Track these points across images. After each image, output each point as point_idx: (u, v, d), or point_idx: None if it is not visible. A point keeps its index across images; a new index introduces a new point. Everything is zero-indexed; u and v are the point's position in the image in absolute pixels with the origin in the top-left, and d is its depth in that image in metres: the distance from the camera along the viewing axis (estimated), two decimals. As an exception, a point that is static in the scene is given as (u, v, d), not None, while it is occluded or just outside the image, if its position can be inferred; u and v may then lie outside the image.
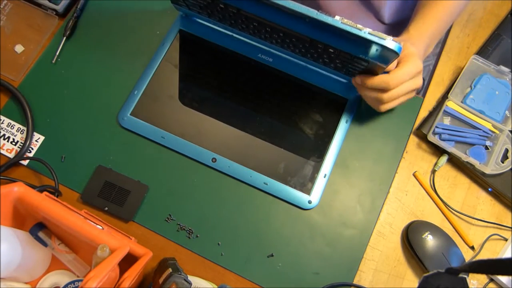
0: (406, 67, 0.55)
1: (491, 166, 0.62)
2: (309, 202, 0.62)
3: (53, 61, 0.68)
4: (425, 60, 0.63)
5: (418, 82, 0.57)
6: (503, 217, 0.63)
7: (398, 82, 0.56)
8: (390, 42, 0.48)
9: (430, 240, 0.59)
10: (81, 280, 0.53)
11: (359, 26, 0.48)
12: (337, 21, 0.48)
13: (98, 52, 0.69)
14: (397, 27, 0.78)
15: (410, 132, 0.66)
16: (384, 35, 0.48)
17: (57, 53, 0.68)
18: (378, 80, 0.56)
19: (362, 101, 0.66)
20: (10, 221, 0.53)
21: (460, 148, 0.63)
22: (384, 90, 0.57)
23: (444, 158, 0.64)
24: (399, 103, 0.59)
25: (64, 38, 0.68)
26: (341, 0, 0.70)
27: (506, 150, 0.63)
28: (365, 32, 0.48)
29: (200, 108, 0.65)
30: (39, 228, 0.53)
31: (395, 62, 0.56)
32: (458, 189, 0.64)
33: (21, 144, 0.64)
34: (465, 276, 0.47)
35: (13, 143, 0.64)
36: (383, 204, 0.63)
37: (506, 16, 0.72)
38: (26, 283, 0.55)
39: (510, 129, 0.64)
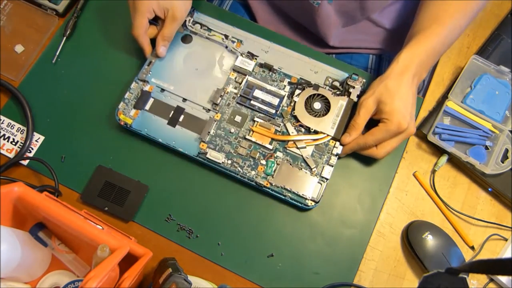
0: (387, 129, 0.58)
1: (491, 166, 0.62)
2: (309, 202, 0.62)
3: (53, 61, 0.68)
4: (417, 88, 0.63)
5: (409, 134, 0.59)
6: (503, 217, 0.63)
7: (379, 142, 0.59)
8: (309, 201, 0.60)
9: (430, 240, 0.59)
10: (81, 280, 0.53)
11: (286, 188, 0.60)
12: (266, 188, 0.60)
13: (98, 52, 0.69)
14: (400, 32, 0.78)
15: (410, 132, 0.66)
16: (305, 195, 0.60)
17: (57, 53, 0.68)
18: (365, 153, 0.61)
19: None
20: (10, 221, 0.53)
21: (460, 148, 0.63)
22: (373, 155, 0.61)
23: (444, 158, 0.64)
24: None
25: (64, 38, 0.68)
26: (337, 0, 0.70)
27: (506, 150, 0.63)
28: (286, 198, 0.60)
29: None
30: (39, 228, 0.53)
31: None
32: (458, 189, 0.64)
33: (21, 144, 0.64)
34: (465, 276, 0.47)
35: (13, 143, 0.64)
36: (383, 204, 0.63)
37: (506, 16, 0.72)
38: (26, 283, 0.55)
39: (510, 129, 0.64)
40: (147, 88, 0.65)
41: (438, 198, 0.63)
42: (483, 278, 0.60)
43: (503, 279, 0.59)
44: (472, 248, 0.62)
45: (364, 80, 0.64)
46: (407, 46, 0.60)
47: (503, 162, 0.63)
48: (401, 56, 0.60)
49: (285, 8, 0.77)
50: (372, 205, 0.63)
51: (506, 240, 0.62)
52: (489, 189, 0.63)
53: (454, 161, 0.65)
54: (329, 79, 0.65)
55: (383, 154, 0.60)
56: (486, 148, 0.63)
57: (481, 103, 0.65)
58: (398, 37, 0.78)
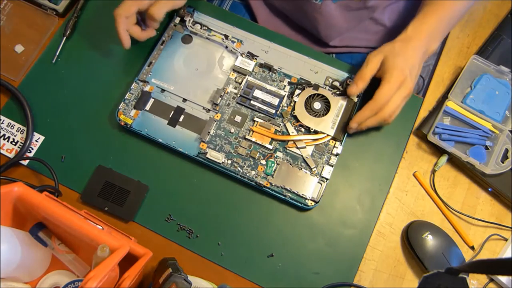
0: (388, 82, 0.59)
1: (491, 166, 0.62)
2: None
3: (53, 61, 0.68)
4: (425, 60, 0.63)
5: (407, 89, 0.60)
6: (503, 217, 0.63)
7: (387, 99, 0.59)
8: (309, 201, 0.60)
9: (430, 240, 0.59)
10: (81, 280, 0.53)
11: (286, 188, 0.60)
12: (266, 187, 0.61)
13: (98, 52, 0.69)
14: (400, 31, 0.78)
15: (410, 132, 0.66)
16: (305, 195, 0.60)
17: (57, 53, 0.68)
18: (373, 120, 0.61)
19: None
20: (10, 221, 0.53)
21: (460, 148, 0.63)
22: (381, 117, 0.60)
23: (444, 158, 0.64)
24: (399, 110, 0.61)
25: (64, 38, 0.68)
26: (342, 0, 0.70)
27: (506, 150, 0.63)
28: (286, 198, 0.60)
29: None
30: (39, 228, 0.53)
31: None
32: (458, 189, 0.64)
33: (21, 144, 0.64)
34: (465, 276, 0.47)
35: (13, 143, 0.64)
36: (383, 204, 0.63)
37: (506, 16, 0.72)
38: (26, 283, 0.55)
39: (510, 129, 0.64)
40: (147, 88, 0.65)
41: (438, 198, 0.63)
42: (483, 278, 0.60)
43: (503, 279, 0.59)
44: (472, 248, 0.62)
45: None
46: (417, 15, 0.62)
47: (503, 162, 0.63)
48: (411, 24, 0.62)
49: (286, 9, 0.77)
50: (372, 205, 0.63)
51: (506, 240, 0.62)
52: (489, 189, 0.63)
53: (454, 161, 0.65)
54: (329, 79, 0.65)
55: (389, 113, 0.60)
56: (486, 148, 0.63)
57: (481, 103, 0.65)
58: (398, 35, 0.78)
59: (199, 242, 0.61)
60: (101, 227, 0.53)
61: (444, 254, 0.59)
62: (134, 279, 0.49)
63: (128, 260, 0.50)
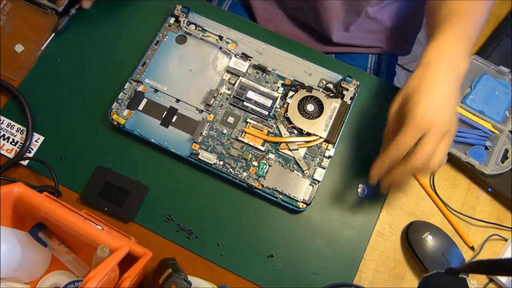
0: (412, 123, 0.49)
1: (491, 167, 0.62)
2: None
3: (53, 61, 0.68)
4: (459, 83, 0.54)
5: (438, 128, 0.49)
6: (503, 217, 0.63)
7: (405, 148, 0.50)
8: (300, 203, 0.60)
9: (430, 240, 0.59)
10: (81, 280, 0.53)
11: (278, 189, 0.60)
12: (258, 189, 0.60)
13: (97, 52, 0.69)
14: (400, 31, 0.78)
15: (410, 132, 0.66)
16: (297, 197, 0.59)
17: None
18: (403, 170, 0.51)
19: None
20: (10, 221, 0.53)
21: (460, 148, 0.63)
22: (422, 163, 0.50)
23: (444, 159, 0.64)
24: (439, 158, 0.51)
25: (53, 34, 0.68)
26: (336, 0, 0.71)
27: (506, 150, 0.63)
28: (278, 200, 0.60)
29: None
30: (39, 229, 0.53)
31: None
32: (458, 189, 0.64)
33: (21, 145, 0.64)
34: (465, 276, 0.47)
35: (13, 143, 0.64)
36: (383, 204, 0.63)
37: (506, 16, 0.72)
38: (26, 283, 0.55)
39: (510, 130, 0.64)
40: (140, 88, 0.65)
41: (438, 198, 0.63)
42: (483, 278, 0.61)
43: (503, 279, 0.59)
44: (472, 248, 0.62)
45: (358, 83, 0.64)
46: (433, 35, 0.55)
47: (503, 163, 0.63)
48: (428, 47, 0.53)
49: (287, 3, 0.76)
50: (371, 205, 0.63)
51: (506, 240, 0.62)
52: (489, 190, 0.63)
53: (454, 161, 0.65)
54: (323, 81, 0.65)
55: (420, 158, 0.49)
56: (486, 148, 0.63)
57: (481, 103, 0.65)
58: (398, 35, 0.78)
59: (199, 243, 0.61)
60: (101, 228, 0.53)
61: (444, 255, 0.59)
62: (134, 279, 0.49)
63: (128, 260, 0.50)
